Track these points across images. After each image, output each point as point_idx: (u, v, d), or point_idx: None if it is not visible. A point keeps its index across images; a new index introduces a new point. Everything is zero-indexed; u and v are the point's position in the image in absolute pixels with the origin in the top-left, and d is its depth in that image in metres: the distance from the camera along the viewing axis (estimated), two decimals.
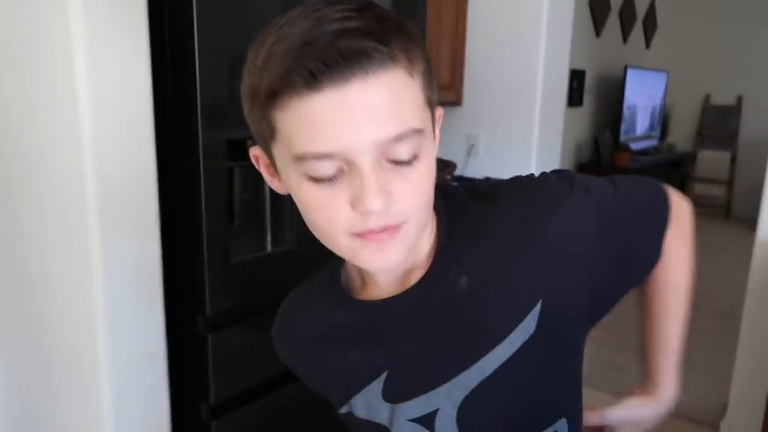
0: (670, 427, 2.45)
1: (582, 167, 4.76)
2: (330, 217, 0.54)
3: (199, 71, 1.37)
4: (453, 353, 0.61)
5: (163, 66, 1.43)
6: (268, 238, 1.65)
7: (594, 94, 4.89)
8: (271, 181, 0.63)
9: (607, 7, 4.79)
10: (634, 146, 4.95)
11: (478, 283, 0.59)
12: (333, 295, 0.68)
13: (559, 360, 0.64)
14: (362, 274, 0.66)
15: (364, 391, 0.65)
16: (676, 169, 5.65)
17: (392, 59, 0.50)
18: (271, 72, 0.50)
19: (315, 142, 0.50)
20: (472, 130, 2.87)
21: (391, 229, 0.54)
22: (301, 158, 0.52)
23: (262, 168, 0.63)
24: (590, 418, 0.68)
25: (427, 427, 0.62)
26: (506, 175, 0.68)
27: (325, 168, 0.52)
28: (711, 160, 6.25)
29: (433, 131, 0.58)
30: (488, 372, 0.59)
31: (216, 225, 1.48)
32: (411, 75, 0.52)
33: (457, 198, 0.63)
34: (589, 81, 4.72)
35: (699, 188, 6.37)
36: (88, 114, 1.27)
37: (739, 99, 6.07)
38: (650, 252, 0.68)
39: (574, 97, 4.39)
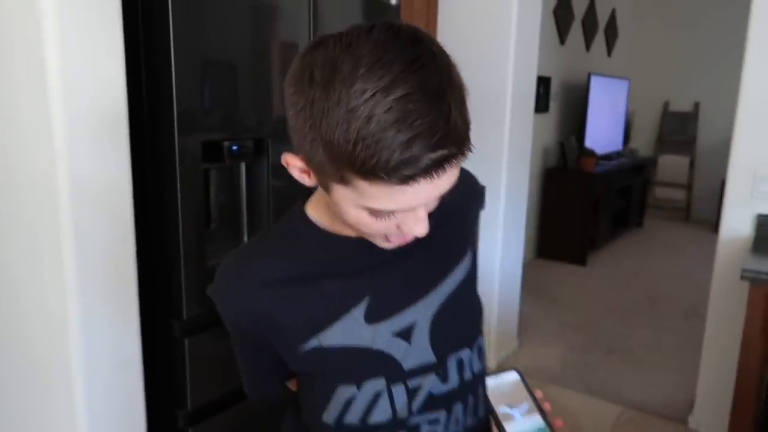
0: (641, 423, 2.51)
1: (550, 172, 4.85)
2: (375, 230, 0.66)
3: (175, 74, 1.36)
4: (424, 276, 0.77)
5: (137, 68, 1.41)
6: (245, 240, 1.64)
7: (559, 100, 5.00)
8: (300, 177, 0.68)
9: (571, 16, 4.91)
10: (599, 151, 5.06)
11: (440, 225, 0.73)
12: (307, 234, 0.75)
13: (477, 290, 0.86)
14: (332, 214, 0.72)
15: (342, 319, 0.73)
16: (639, 174, 5.80)
17: (468, 148, 0.59)
18: (364, 155, 0.55)
19: (392, 205, 0.60)
20: None
21: None
22: (371, 209, 0.61)
23: (295, 170, 0.67)
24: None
25: (405, 339, 0.74)
26: (480, 180, 0.93)
27: (389, 214, 0.62)
28: (671, 165, 6.45)
29: None
30: (450, 289, 0.78)
31: (192, 228, 1.46)
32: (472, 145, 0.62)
33: None
34: (554, 87, 4.82)
35: (660, 192, 6.55)
36: (61, 115, 1.23)
37: (697, 105, 6.29)
38: None
39: (541, 104, 4.48)
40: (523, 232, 3.09)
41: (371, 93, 0.54)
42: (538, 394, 0.79)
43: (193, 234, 1.47)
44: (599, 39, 5.67)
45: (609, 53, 5.98)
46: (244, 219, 1.63)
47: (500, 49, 2.71)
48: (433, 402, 0.76)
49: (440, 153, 0.55)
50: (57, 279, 1.31)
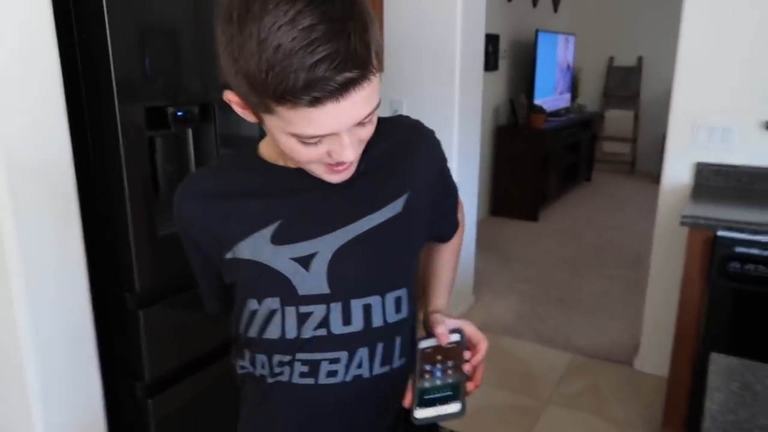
0: (590, 366, 2.65)
1: (501, 130, 4.91)
2: (308, 157, 0.71)
3: (111, 42, 1.30)
4: (339, 213, 0.80)
5: (71, 38, 1.35)
6: None
7: (508, 58, 5.03)
8: (243, 113, 0.73)
9: None
10: (548, 107, 5.15)
11: (370, 170, 0.81)
12: (250, 161, 0.84)
13: (409, 244, 0.86)
14: (278, 150, 0.78)
15: (254, 235, 0.79)
16: (587, 129, 5.94)
17: (372, 72, 0.65)
18: (276, 82, 0.61)
19: (312, 130, 0.66)
20: (395, 96, 2.89)
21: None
22: (297, 135, 0.67)
23: (235, 104, 0.72)
24: (440, 331, 0.84)
25: (302, 266, 0.78)
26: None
27: (314, 140, 0.68)
28: (617, 119, 6.62)
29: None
30: (363, 229, 0.79)
31: (140, 198, 1.43)
32: (377, 69, 0.67)
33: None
34: (503, 45, 4.84)
35: (607, 146, 6.74)
36: None
37: (640, 60, 6.44)
38: (454, 221, 1.00)
39: (490, 62, 4.50)
40: (476, 191, 3.13)
41: (278, 25, 0.60)
42: (470, 355, 0.83)
43: (141, 204, 1.44)
44: None
45: (555, 9, 6.02)
46: None
47: (447, 6, 2.70)
48: (334, 341, 0.80)
49: (343, 75, 0.62)
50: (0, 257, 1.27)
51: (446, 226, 0.99)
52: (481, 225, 3.65)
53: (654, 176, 6.13)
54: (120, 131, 1.36)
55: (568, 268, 3.79)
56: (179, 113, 1.47)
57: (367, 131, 0.73)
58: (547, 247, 4.24)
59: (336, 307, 0.80)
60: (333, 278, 0.79)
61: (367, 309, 0.81)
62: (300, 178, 0.79)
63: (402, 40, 2.83)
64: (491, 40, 4.50)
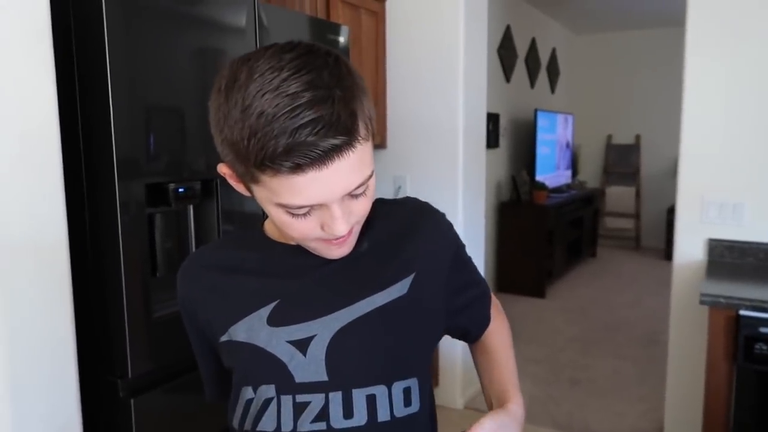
0: None
1: (503, 206, 4.90)
2: (303, 233, 0.68)
3: (114, 119, 1.29)
4: (340, 293, 0.74)
5: (74, 115, 1.33)
6: None
7: (509, 135, 5.11)
8: (237, 186, 0.71)
9: (515, 55, 5.07)
10: (549, 184, 5.17)
11: (374, 249, 0.77)
12: (253, 238, 0.81)
13: (419, 329, 0.78)
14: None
15: (250, 316, 0.74)
16: (589, 205, 5.94)
17: (358, 139, 0.62)
18: (257, 148, 0.60)
19: (297, 200, 0.63)
20: (398, 172, 2.89)
21: (348, 235, 0.70)
22: (283, 205, 0.65)
23: (228, 177, 0.71)
24: None
25: (299, 349, 0.72)
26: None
27: (303, 210, 0.65)
28: (618, 195, 6.65)
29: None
30: (365, 311, 0.73)
31: (136, 277, 1.36)
32: (366, 138, 0.65)
33: (382, 200, 0.84)
34: (503, 123, 4.93)
35: (610, 222, 6.73)
36: None
37: (638, 138, 6.54)
38: (483, 316, 0.91)
39: (491, 139, 4.56)
40: (482, 267, 3.07)
41: (263, 93, 0.59)
42: None
43: (138, 284, 1.37)
44: (542, 76, 5.87)
45: (553, 90, 6.19)
46: None
47: (449, 86, 2.74)
48: None
49: (326, 141, 0.59)
50: None
51: (472, 320, 0.89)
52: None
53: (660, 252, 6.08)
54: (119, 208, 1.31)
55: (579, 348, 3.66)
56: (180, 190, 1.43)
57: (362, 205, 0.69)
58: (555, 324, 4.12)
59: (336, 397, 0.71)
60: (332, 364, 0.72)
61: (371, 400, 0.72)
62: (301, 256, 0.75)
63: (405, 118, 2.86)
64: (492, 119, 4.58)
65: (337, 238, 0.69)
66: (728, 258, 2.22)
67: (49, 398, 1.28)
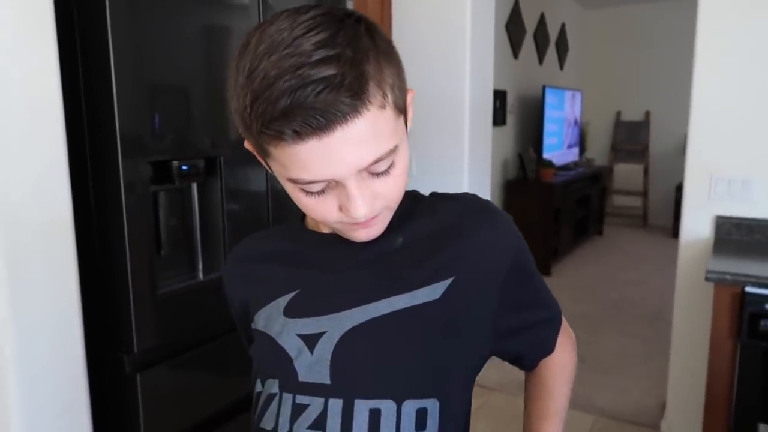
0: (614, 429, 2.49)
1: (510, 184, 4.88)
2: (322, 215, 0.63)
3: (117, 98, 1.28)
4: (360, 289, 0.67)
5: (77, 93, 1.33)
6: (200, 265, 1.55)
7: (516, 113, 5.06)
8: (262, 163, 0.67)
9: (523, 30, 4.99)
10: (556, 161, 5.13)
11: (410, 246, 0.68)
12: (291, 228, 0.78)
13: (447, 344, 0.67)
14: None
15: (270, 305, 0.71)
16: (596, 183, 5.91)
17: (367, 105, 0.55)
18: (258, 114, 0.55)
19: (305, 174, 0.57)
20: None
21: (373, 218, 0.63)
22: (293, 180, 0.59)
23: (255, 153, 0.66)
24: None
25: (308, 345, 0.66)
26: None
27: (316, 187, 0.59)
28: (626, 173, 6.60)
29: (406, 125, 0.65)
30: (382, 312, 0.65)
31: (141, 254, 1.37)
32: (383, 106, 0.57)
33: (419, 193, 0.76)
34: (510, 101, 4.88)
35: (617, 200, 6.69)
36: None
37: (647, 114, 6.47)
38: (543, 343, 0.79)
39: (498, 117, 4.52)
40: None
41: (270, 55, 0.54)
42: None
43: (143, 261, 1.38)
44: (551, 53, 5.79)
45: (561, 66, 6.11)
46: (198, 242, 1.54)
47: (456, 63, 2.71)
48: None
49: (324, 104, 0.53)
50: None
51: (529, 346, 0.77)
52: None
53: (668, 230, 6.05)
54: (123, 185, 1.32)
55: (586, 325, 3.66)
56: (184, 167, 1.43)
57: (388, 186, 0.61)
58: (561, 303, 4.05)
59: (335, 405, 0.63)
60: (336, 366, 0.64)
61: (374, 415, 0.62)
62: (330, 246, 0.70)
63: None
64: (499, 96, 4.53)
65: (358, 222, 0.62)
66: (736, 235, 2.21)
67: (56, 374, 1.30)
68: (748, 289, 1.73)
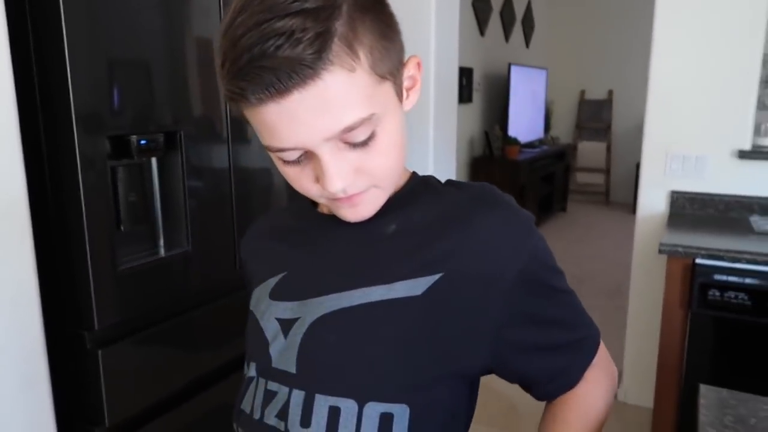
0: None
1: (476, 161, 4.93)
2: (304, 188, 0.60)
3: (71, 72, 1.24)
4: (339, 276, 0.63)
5: (29, 67, 1.29)
6: (161, 241, 1.54)
7: (482, 90, 5.09)
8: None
9: (489, 8, 5.00)
10: (522, 139, 5.20)
11: (402, 234, 0.63)
12: (299, 205, 0.75)
13: (428, 347, 0.59)
14: None
15: (262, 285, 0.70)
16: (561, 160, 6.01)
17: (328, 66, 0.50)
18: (224, 74, 0.53)
19: (274, 140, 0.55)
20: None
21: (357, 195, 0.59)
22: (268, 147, 0.57)
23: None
24: None
25: (283, 331, 0.64)
26: None
27: (290, 155, 0.56)
28: (589, 151, 6.72)
29: (400, 95, 0.61)
30: (355, 302, 0.60)
31: (100, 230, 1.35)
32: (352, 69, 0.52)
33: (435, 179, 0.69)
34: (476, 78, 4.90)
35: (581, 177, 6.82)
36: None
37: (610, 93, 6.58)
38: (563, 372, 0.66)
39: (464, 94, 4.54)
40: None
41: (244, 12, 0.51)
42: None
43: (102, 238, 1.36)
44: (517, 31, 5.82)
45: (527, 44, 6.15)
46: (159, 218, 1.53)
47: (421, 40, 2.71)
48: None
49: (279, 62, 0.49)
50: None
51: (542, 371, 0.64)
52: None
53: (629, 206, 6.21)
54: (79, 162, 1.29)
55: None
56: (143, 142, 1.41)
57: (371, 161, 0.56)
58: None
59: (297, 397, 0.59)
60: (302, 356, 0.61)
61: (333, 414, 0.57)
62: (326, 226, 0.66)
63: None
64: (465, 73, 4.55)
65: (338, 198, 0.58)
66: (689, 210, 2.29)
67: (15, 351, 1.29)
68: (699, 260, 1.81)
